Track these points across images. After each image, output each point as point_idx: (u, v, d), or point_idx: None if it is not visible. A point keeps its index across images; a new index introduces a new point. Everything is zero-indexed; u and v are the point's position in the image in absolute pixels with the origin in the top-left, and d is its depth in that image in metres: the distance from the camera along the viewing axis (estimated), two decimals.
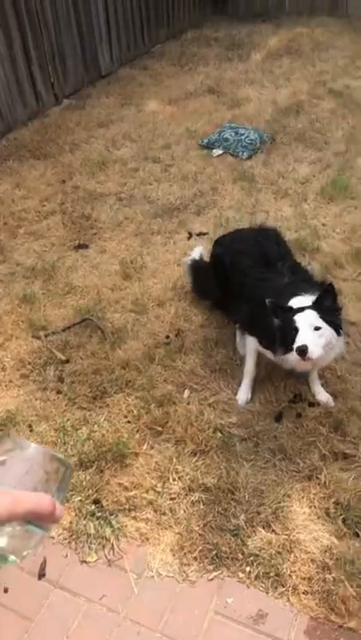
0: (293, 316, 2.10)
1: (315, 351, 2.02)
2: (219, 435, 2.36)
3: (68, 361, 2.77)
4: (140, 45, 6.65)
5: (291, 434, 2.35)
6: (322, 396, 2.46)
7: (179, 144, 4.69)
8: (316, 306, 2.13)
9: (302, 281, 2.40)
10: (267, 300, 2.15)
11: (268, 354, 2.38)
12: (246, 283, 2.48)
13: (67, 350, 2.82)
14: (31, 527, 0.65)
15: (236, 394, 2.54)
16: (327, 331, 2.08)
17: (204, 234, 3.65)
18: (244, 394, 2.51)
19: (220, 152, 4.53)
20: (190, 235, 3.66)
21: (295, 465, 2.23)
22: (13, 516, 0.63)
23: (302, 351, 2.01)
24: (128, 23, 6.37)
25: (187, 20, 7.52)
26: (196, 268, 3.06)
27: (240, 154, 4.45)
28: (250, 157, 4.42)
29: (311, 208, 3.78)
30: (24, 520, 0.64)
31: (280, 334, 2.15)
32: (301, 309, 2.11)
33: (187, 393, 2.56)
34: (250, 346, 2.48)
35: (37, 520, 0.65)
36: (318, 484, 2.15)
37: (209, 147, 4.61)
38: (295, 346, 2.03)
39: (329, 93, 5.30)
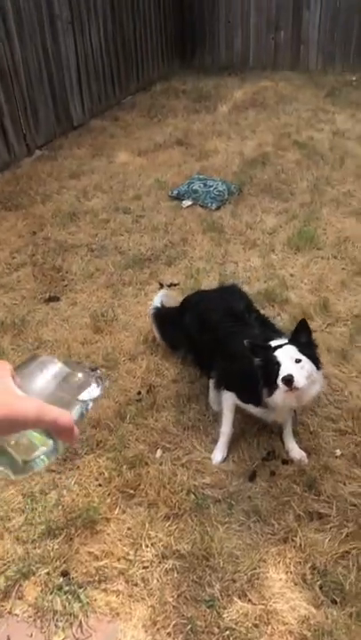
0: (273, 352, 2.12)
1: (300, 380, 2.03)
2: (192, 497, 2.31)
3: None
4: (110, 97, 6.85)
5: (265, 494, 2.31)
6: (295, 452, 2.45)
7: (149, 195, 4.77)
8: (293, 341, 2.18)
9: (272, 332, 2.44)
10: (245, 341, 2.17)
11: (251, 407, 2.37)
12: (219, 337, 2.50)
13: None
14: (48, 451, 0.70)
15: (209, 452, 2.50)
16: (307, 364, 2.11)
17: (175, 285, 3.67)
18: (219, 453, 2.47)
19: (190, 203, 4.63)
20: (161, 285, 3.68)
21: (270, 527, 2.19)
22: (40, 421, 0.67)
23: (288, 380, 2.01)
24: (99, 75, 6.56)
25: (156, 73, 7.80)
26: (160, 315, 3.07)
27: (209, 205, 4.55)
28: (218, 208, 4.52)
29: (279, 259, 3.86)
30: (46, 431, 0.69)
31: (262, 373, 2.15)
32: (280, 346, 2.15)
33: (159, 453, 2.51)
34: (228, 402, 2.47)
35: (57, 433, 0.70)
36: (294, 547, 2.11)
37: (179, 198, 4.70)
38: (280, 377, 2.03)
39: (294, 145, 5.50)
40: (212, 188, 4.71)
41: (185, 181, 4.88)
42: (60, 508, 2.31)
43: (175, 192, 4.76)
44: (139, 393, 2.84)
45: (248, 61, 8.27)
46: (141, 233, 4.28)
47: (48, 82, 5.74)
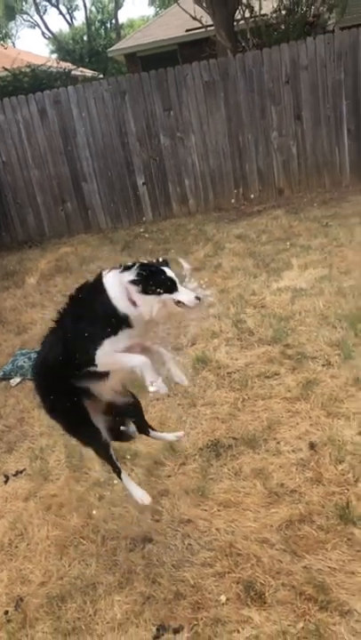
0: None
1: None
2: None
3: None
4: None
5: None
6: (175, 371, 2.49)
7: None
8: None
9: None
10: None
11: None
12: None
13: None
14: None
15: None
16: None
17: (21, 471, 3.52)
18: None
19: (18, 380, 4.61)
20: (7, 477, 3.49)
21: None
22: None
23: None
24: None
25: None
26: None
27: None
28: None
29: None
30: None
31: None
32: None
33: None
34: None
35: None
36: None
37: (5, 378, 4.66)
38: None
39: None
40: None
41: (9, 360, 4.88)
42: None
43: (1, 373, 4.71)
44: (6, 612, 2.54)
45: (45, 232, 8.95)
46: None
47: None
